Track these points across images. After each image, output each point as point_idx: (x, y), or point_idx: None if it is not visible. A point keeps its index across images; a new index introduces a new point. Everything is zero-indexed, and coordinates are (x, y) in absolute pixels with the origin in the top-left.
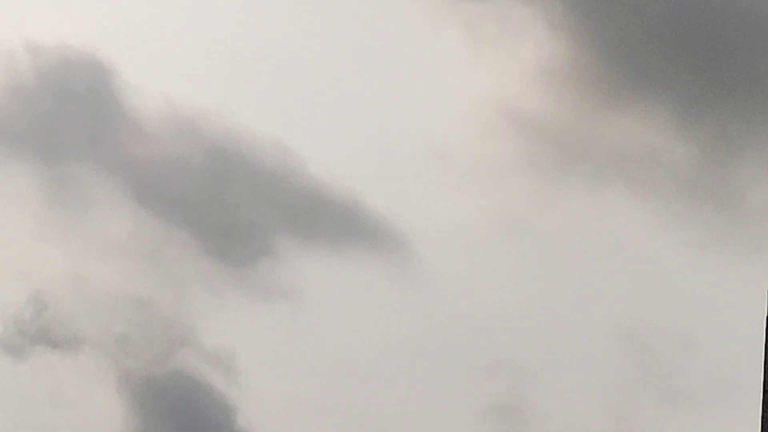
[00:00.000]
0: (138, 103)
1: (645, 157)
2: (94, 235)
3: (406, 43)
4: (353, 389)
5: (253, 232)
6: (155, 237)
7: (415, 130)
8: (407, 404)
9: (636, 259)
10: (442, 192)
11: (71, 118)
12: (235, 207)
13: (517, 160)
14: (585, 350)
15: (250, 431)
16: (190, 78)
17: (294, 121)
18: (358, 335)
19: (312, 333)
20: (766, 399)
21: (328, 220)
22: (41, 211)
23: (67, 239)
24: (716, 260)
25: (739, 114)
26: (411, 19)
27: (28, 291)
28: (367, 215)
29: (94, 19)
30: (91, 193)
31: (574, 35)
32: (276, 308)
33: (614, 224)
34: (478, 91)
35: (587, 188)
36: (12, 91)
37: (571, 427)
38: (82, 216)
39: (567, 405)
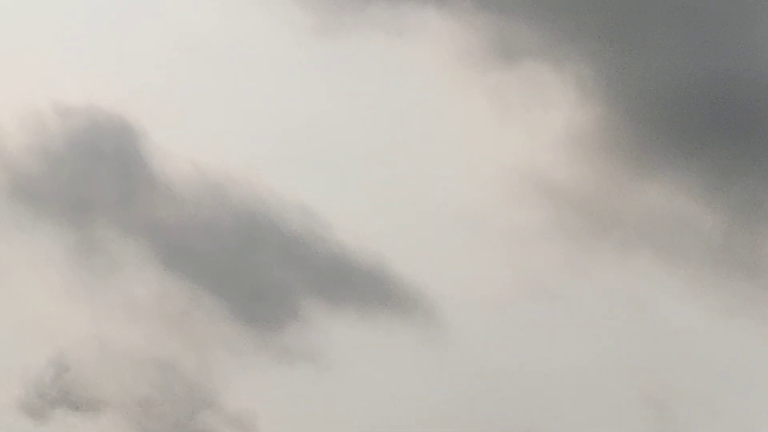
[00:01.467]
0: (166, 166)
1: (674, 224)
2: (120, 298)
3: (432, 110)
4: None
5: (280, 296)
6: (181, 300)
7: (443, 196)
8: None
9: (663, 326)
10: (470, 258)
11: (99, 180)
12: (263, 271)
13: (546, 226)
14: (610, 416)
15: None
16: (218, 142)
17: (320, 186)
18: (385, 400)
19: (337, 398)
20: None
21: (355, 285)
22: (67, 273)
23: (92, 301)
24: (744, 327)
25: None
26: (436, 86)
27: (50, 353)
28: (395, 281)
29: (123, 80)
30: (118, 256)
31: (604, 101)
32: (301, 372)
33: (642, 291)
34: (506, 157)
35: (616, 255)
36: (41, 153)
37: None
38: (108, 278)
39: None
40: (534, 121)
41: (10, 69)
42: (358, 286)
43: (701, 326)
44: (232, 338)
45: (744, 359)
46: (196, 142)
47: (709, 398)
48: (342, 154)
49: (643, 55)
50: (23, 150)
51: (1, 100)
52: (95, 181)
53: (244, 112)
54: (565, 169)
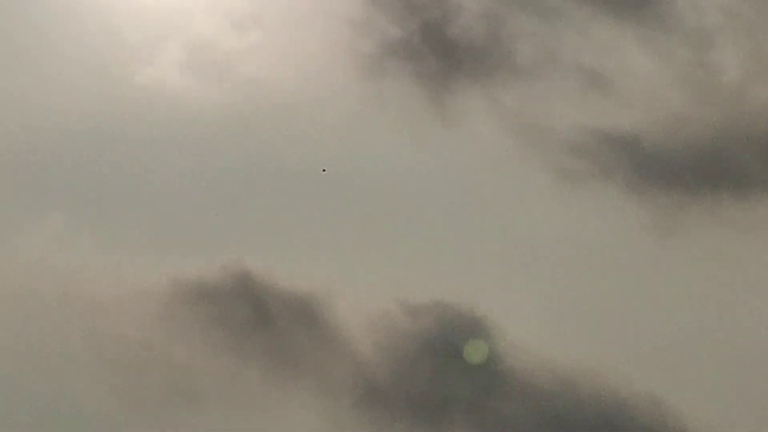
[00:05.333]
0: (516, 361)
1: None
2: None
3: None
4: None
5: None
6: None
7: None
8: None
9: None
10: None
11: (452, 380)
12: None
13: None
14: None
15: None
16: (566, 335)
17: (668, 377)
18: None
19: None
20: None
21: None
22: None
23: None
24: None
25: None
26: None
27: None
28: None
29: (470, 275)
30: None
31: None
32: None
33: None
34: None
35: None
36: (392, 354)
37: None
38: None
39: None
40: None
41: (358, 273)
42: None
43: None
44: None
45: None
46: (545, 336)
47: None
48: (689, 346)
49: None
50: (374, 352)
51: (351, 306)
52: (447, 381)
53: (589, 306)
54: None
